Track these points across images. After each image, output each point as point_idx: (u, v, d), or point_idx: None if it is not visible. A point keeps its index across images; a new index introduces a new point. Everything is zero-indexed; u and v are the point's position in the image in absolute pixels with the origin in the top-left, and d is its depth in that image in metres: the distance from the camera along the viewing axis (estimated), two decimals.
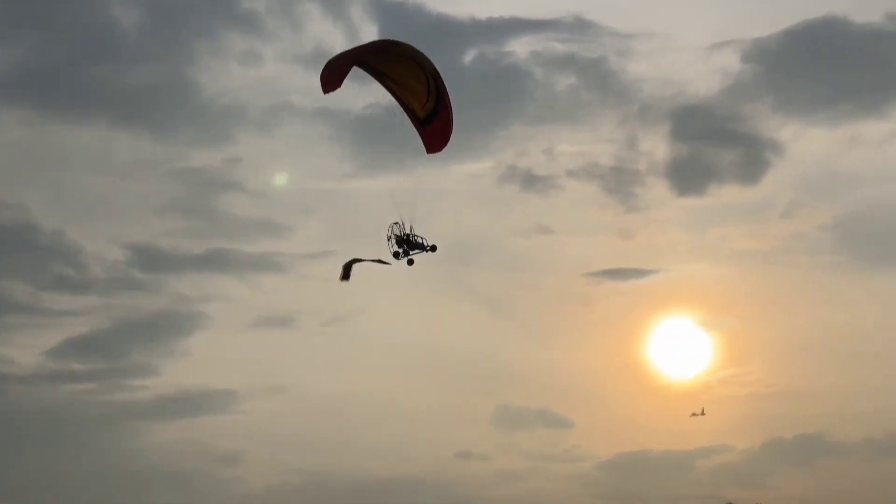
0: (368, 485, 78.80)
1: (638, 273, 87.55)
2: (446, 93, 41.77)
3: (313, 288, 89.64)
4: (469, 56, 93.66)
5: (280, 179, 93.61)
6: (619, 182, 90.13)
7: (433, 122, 42.84)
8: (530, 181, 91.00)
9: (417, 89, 41.50)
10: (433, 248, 44.03)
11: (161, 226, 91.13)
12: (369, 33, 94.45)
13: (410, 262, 43.84)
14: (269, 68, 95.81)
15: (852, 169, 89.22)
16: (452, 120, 42.44)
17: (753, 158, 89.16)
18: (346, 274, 42.92)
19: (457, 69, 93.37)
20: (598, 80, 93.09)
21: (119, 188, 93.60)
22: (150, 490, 78.42)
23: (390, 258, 43.51)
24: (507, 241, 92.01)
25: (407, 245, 43.38)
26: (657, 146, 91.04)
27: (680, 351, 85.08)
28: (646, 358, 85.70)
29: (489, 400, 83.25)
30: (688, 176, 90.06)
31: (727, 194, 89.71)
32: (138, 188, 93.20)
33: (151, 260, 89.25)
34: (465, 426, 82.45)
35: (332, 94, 35.73)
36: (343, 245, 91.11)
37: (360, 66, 39.96)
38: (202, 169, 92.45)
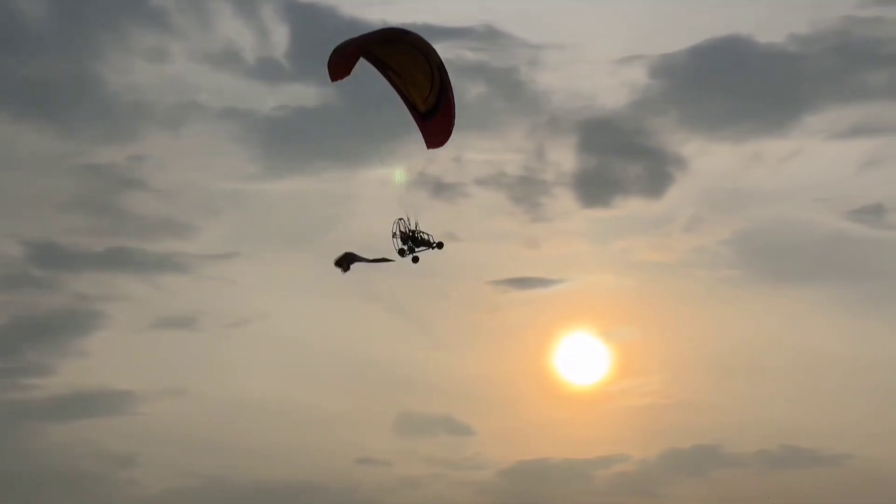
0: (267, 489, 78.33)
1: (543, 282, 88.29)
2: (450, 86, 40.60)
3: (217, 289, 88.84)
4: None
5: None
6: (526, 191, 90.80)
7: (434, 117, 41.70)
8: (438, 188, 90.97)
9: (421, 82, 40.49)
10: (440, 245, 42.72)
11: (61, 222, 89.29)
12: (280, 34, 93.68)
13: (415, 260, 42.64)
14: (176, 66, 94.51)
15: (753, 186, 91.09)
16: (454, 114, 41.21)
17: (658, 172, 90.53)
18: (344, 265, 41.34)
19: (368, 74, 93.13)
20: (508, 90, 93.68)
21: (19, 183, 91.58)
22: (42, 491, 76.88)
23: (395, 255, 42.02)
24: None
25: (412, 242, 42.08)
26: (565, 157, 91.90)
27: (582, 360, 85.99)
28: (548, 367, 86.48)
29: (392, 406, 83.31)
30: (594, 187, 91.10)
31: (632, 207, 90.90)
32: (40, 183, 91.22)
33: (50, 257, 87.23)
34: (366, 432, 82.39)
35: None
36: (248, 247, 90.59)
37: (364, 55, 38.46)
38: (106, 166, 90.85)
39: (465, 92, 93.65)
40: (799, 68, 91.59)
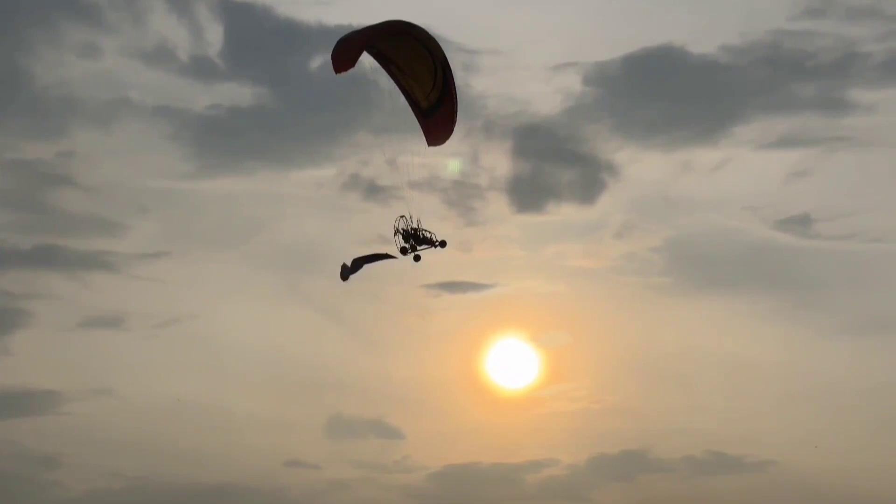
0: (193, 491, 77.52)
1: (475, 287, 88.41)
2: (453, 83, 39.86)
3: (146, 289, 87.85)
4: (316, 62, 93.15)
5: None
6: (459, 195, 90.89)
7: (436, 114, 41.05)
8: (373, 191, 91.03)
9: (424, 78, 39.83)
10: (442, 244, 42.10)
11: None
12: (215, 33, 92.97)
13: (417, 259, 41.96)
14: (108, 62, 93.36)
15: (684, 194, 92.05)
16: (457, 111, 40.51)
17: (591, 179, 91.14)
18: (347, 272, 40.32)
19: (303, 75, 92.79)
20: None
21: None
22: None
23: (397, 253, 41.42)
24: (347, 250, 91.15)
25: (414, 240, 41.33)
26: (499, 162, 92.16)
27: (513, 365, 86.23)
28: (480, 371, 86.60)
29: (322, 409, 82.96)
30: (527, 193, 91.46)
31: (564, 213, 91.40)
32: None
33: None
34: (296, 434, 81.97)
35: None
36: (179, 246, 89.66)
37: (367, 49, 37.43)
38: (34, 161, 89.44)
39: (401, 95, 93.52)
40: (730, 79, 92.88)
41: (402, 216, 42.12)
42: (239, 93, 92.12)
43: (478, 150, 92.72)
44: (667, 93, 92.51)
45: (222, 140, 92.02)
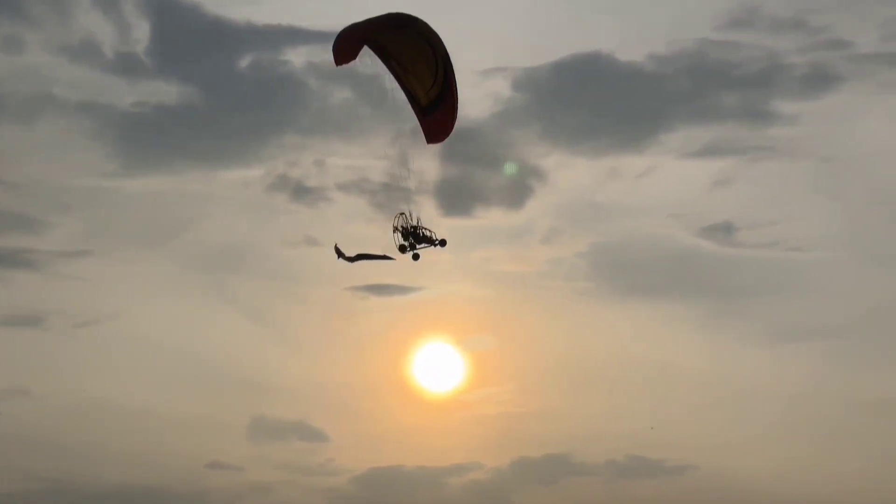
0: (113, 493, 76.57)
1: (401, 290, 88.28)
2: (454, 80, 39.03)
3: (67, 288, 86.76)
4: (244, 61, 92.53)
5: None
6: (388, 198, 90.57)
7: (436, 111, 40.22)
8: (300, 192, 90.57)
9: (424, 75, 38.87)
10: (442, 243, 41.09)
11: None
12: (141, 29, 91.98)
13: (416, 258, 40.87)
14: (31, 56, 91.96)
15: (610, 200, 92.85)
16: (457, 109, 39.69)
17: (519, 184, 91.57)
18: (343, 256, 39.21)
19: (231, 74, 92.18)
20: (373, 96, 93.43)
21: None
22: None
23: (395, 252, 40.34)
24: (273, 251, 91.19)
25: (413, 238, 40.37)
26: (428, 166, 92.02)
27: (438, 368, 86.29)
28: (405, 374, 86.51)
29: (245, 410, 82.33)
30: (455, 197, 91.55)
31: (492, 217, 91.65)
32: None
33: None
34: (218, 436, 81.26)
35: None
36: (102, 245, 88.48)
37: (368, 42, 36.65)
38: None
39: (330, 96, 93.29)
40: (656, 87, 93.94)
41: (401, 213, 41.50)
42: (165, 91, 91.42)
43: (407, 154, 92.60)
44: (594, 99, 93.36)
45: (148, 138, 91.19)
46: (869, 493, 77.14)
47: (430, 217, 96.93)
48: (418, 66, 38.81)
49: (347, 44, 36.66)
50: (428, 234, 41.06)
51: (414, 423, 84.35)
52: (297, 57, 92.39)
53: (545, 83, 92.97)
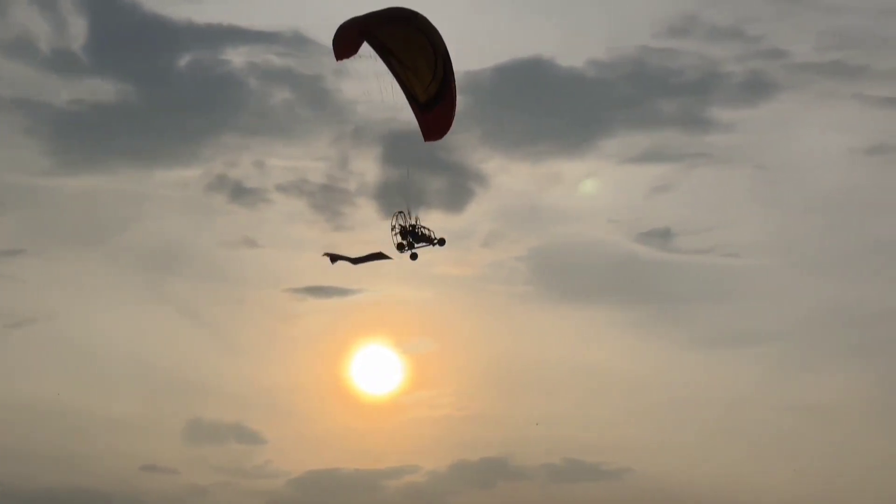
0: (45, 496, 75.63)
1: (340, 291, 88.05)
2: (453, 77, 38.32)
3: (0, 287, 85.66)
4: (184, 60, 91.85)
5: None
6: (328, 200, 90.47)
7: (434, 108, 39.30)
8: (239, 193, 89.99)
9: (423, 71, 38.07)
10: (441, 242, 40.54)
11: None
12: (79, 26, 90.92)
13: (414, 257, 40.20)
14: None
15: (549, 205, 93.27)
16: (455, 106, 38.89)
17: (459, 187, 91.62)
18: (333, 258, 38.38)
19: (170, 73, 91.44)
20: (313, 97, 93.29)
21: None
22: None
23: (393, 251, 39.66)
24: (211, 252, 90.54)
25: (412, 237, 39.74)
26: (368, 167, 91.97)
27: (377, 371, 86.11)
28: (343, 376, 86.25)
29: (181, 412, 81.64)
30: (396, 199, 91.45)
31: (433, 220, 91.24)
32: None
33: None
34: (153, 438, 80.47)
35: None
36: (36, 244, 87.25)
37: (368, 37, 36.07)
38: None
39: (270, 97, 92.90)
40: (596, 93, 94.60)
41: (399, 212, 40.76)
42: (102, 89, 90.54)
43: (347, 155, 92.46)
44: (535, 104, 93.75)
45: (84, 136, 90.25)
46: (802, 497, 78.27)
47: (371, 219, 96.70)
48: (417, 62, 38.32)
49: (348, 39, 36.25)
50: (426, 233, 40.64)
51: (352, 426, 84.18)
52: (237, 57, 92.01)
53: (486, 87, 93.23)
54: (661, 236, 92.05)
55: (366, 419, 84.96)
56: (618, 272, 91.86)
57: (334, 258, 39.82)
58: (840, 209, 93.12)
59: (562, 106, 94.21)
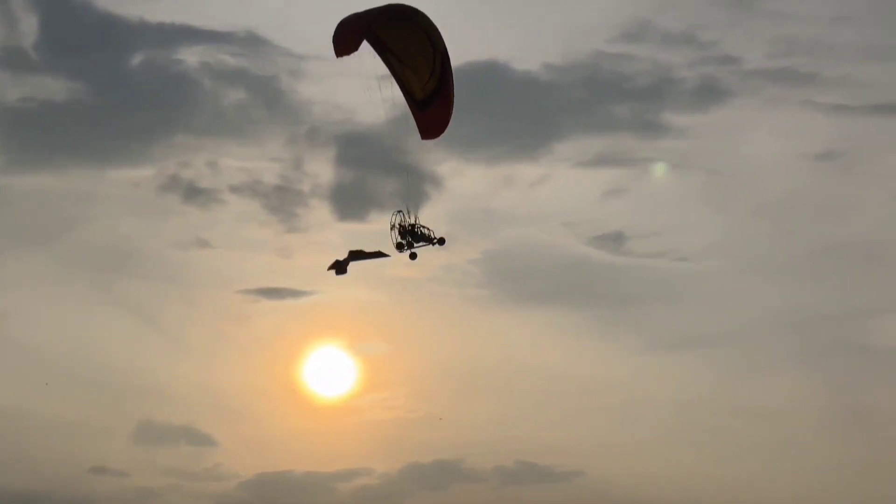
0: None
1: (294, 293, 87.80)
2: (451, 75, 38.09)
3: None
4: (136, 59, 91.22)
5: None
6: (281, 201, 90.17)
7: (431, 106, 39.25)
8: (192, 193, 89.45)
9: (422, 68, 37.86)
10: (441, 242, 39.99)
11: None
12: (29, 24, 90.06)
13: (413, 257, 39.73)
14: None
15: (504, 208, 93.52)
16: (453, 104, 38.59)
17: (413, 190, 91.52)
18: (340, 267, 37.72)
19: (122, 72, 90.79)
20: (268, 98, 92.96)
21: None
22: None
23: (392, 251, 39.16)
24: (163, 253, 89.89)
25: (411, 237, 39.25)
26: (322, 169, 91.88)
27: (330, 373, 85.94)
28: (296, 378, 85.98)
29: (131, 414, 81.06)
30: (350, 201, 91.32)
31: (387, 222, 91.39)
32: None
33: None
34: (103, 440, 79.90)
35: None
36: None
37: (367, 34, 35.56)
38: None
39: (224, 97, 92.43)
40: (551, 97, 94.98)
41: (398, 211, 40.50)
42: (53, 87, 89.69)
43: (301, 157, 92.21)
44: (490, 107, 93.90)
45: (34, 135, 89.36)
46: (752, 499, 79.01)
47: (325, 221, 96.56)
48: (416, 59, 38.13)
49: (349, 35, 35.69)
50: (426, 232, 40.22)
51: (304, 428, 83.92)
52: (191, 56, 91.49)
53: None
54: (614, 240, 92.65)
55: (318, 421, 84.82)
56: (570, 275, 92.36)
57: (341, 267, 39.34)
58: (789, 214, 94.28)
59: (516, 109, 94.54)
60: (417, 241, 40.02)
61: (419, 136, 39.09)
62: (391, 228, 40.03)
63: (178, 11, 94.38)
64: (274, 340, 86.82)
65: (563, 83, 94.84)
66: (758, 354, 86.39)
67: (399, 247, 39.91)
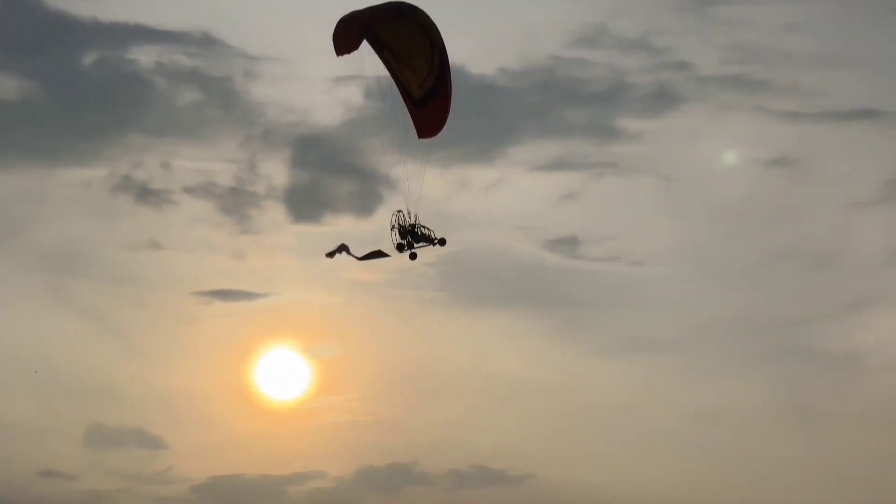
0: None
1: (248, 295, 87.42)
2: (449, 72, 37.52)
3: None
4: (89, 59, 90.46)
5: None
6: (235, 203, 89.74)
7: (429, 104, 38.71)
8: (144, 194, 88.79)
9: (419, 66, 37.32)
10: (442, 242, 39.56)
11: None
12: None
13: (413, 257, 39.18)
14: None
15: (460, 211, 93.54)
16: (451, 103, 38.11)
17: (368, 192, 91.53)
18: (336, 252, 37.01)
19: (74, 71, 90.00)
20: (222, 99, 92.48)
21: None
22: None
23: (393, 250, 38.62)
24: (115, 254, 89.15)
25: (411, 237, 38.71)
26: (277, 171, 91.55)
27: (284, 375, 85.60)
28: (249, 381, 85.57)
29: (82, 417, 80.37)
30: (305, 203, 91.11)
31: (341, 224, 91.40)
32: None
33: None
34: (52, 443, 79.12)
35: None
36: None
37: (368, 32, 34.99)
38: None
39: (178, 98, 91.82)
40: (507, 100, 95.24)
41: (399, 211, 39.97)
42: (5, 85, 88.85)
43: (256, 158, 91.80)
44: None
45: None
46: (703, 502, 79.60)
47: (279, 223, 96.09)
48: (414, 57, 37.66)
49: (351, 34, 35.22)
50: (427, 232, 39.83)
51: (257, 431, 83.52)
52: (144, 56, 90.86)
53: (397, 93, 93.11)
54: (568, 244, 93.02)
55: (271, 424, 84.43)
56: (525, 279, 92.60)
57: (336, 252, 38.79)
58: (741, 220, 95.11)
59: (472, 113, 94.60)
60: (418, 242, 39.75)
61: (416, 135, 38.50)
62: (391, 229, 39.56)
63: (131, 11, 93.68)
64: (227, 342, 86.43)
65: (518, 87, 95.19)
66: (709, 358, 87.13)
67: (400, 247, 39.59)
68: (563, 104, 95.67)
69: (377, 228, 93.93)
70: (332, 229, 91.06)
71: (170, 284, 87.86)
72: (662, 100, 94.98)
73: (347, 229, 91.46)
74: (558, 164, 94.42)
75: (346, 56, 34.93)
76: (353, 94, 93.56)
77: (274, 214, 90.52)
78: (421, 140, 39.47)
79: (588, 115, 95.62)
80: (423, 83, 38.52)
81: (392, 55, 37.89)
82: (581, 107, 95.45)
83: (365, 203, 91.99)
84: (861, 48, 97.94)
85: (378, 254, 39.42)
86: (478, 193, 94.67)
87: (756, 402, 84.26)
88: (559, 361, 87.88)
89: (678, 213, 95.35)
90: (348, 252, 39.08)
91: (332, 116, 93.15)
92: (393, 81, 38.08)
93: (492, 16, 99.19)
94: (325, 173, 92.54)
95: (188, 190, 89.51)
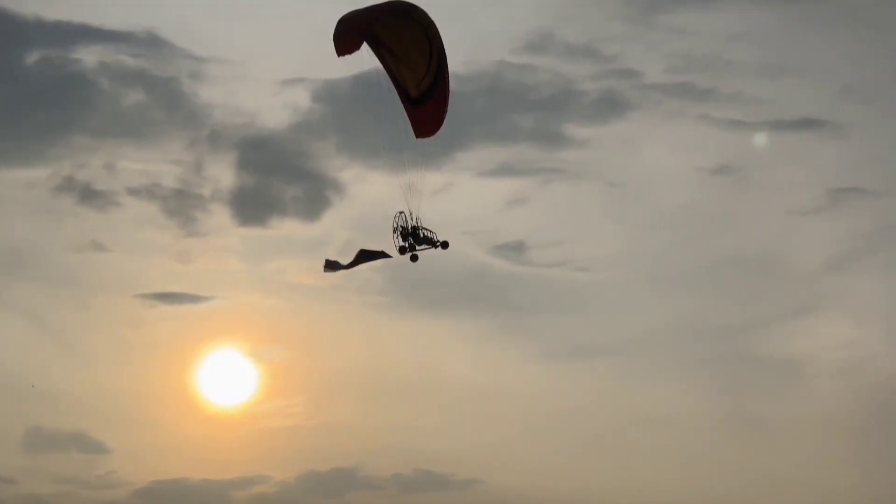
0: None
1: (192, 298, 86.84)
2: (447, 72, 37.08)
3: None
4: (32, 58, 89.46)
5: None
6: (181, 205, 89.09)
7: (426, 104, 38.38)
8: (88, 195, 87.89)
9: (417, 65, 36.81)
10: (444, 245, 39.39)
11: None
12: None
13: (414, 259, 38.79)
14: None
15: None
16: (448, 102, 37.81)
17: (316, 195, 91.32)
18: (335, 266, 36.31)
19: (16, 70, 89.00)
20: (167, 100, 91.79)
21: None
22: None
23: (394, 252, 38.15)
24: (57, 256, 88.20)
25: (413, 239, 38.42)
26: (223, 173, 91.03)
27: (228, 379, 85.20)
28: (193, 385, 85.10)
29: (20, 420, 79.64)
30: (251, 206, 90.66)
31: (288, 228, 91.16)
32: None
33: None
34: None
35: None
36: None
37: (369, 32, 34.53)
38: None
39: (123, 98, 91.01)
40: (454, 106, 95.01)
41: (400, 212, 39.75)
42: None
43: (202, 160, 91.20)
44: (394, 114, 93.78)
45: None
46: None
47: (224, 226, 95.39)
48: (412, 55, 37.26)
49: (352, 34, 35.02)
50: (429, 234, 39.67)
51: (200, 435, 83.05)
52: (88, 56, 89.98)
53: (345, 96, 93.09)
54: (515, 249, 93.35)
55: (215, 428, 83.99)
56: (471, 284, 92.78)
57: (334, 266, 38.41)
58: (686, 226, 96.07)
59: None
60: (420, 244, 39.61)
61: (413, 134, 38.31)
62: (393, 231, 39.32)
63: (75, 10, 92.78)
64: (171, 346, 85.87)
65: (466, 92, 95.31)
66: (654, 363, 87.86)
67: (402, 250, 39.30)
68: (511, 110, 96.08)
69: (323, 233, 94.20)
70: (279, 233, 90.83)
71: (113, 287, 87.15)
72: (609, 107, 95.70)
73: (293, 233, 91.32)
74: (505, 170, 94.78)
75: (346, 56, 34.76)
76: (301, 97, 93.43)
77: (219, 217, 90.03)
78: (418, 139, 38.98)
79: (535, 121, 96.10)
80: (421, 82, 38.30)
81: (390, 54, 37.69)
82: (528, 113, 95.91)
83: (312, 207, 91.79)
84: (805, 58, 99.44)
85: (380, 254, 39.12)
86: (426, 198, 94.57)
87: (699, 407, 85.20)
88: (504, 366, 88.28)
89: (624, 219, 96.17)
90: (343, 267, 38.65)
91: (279, 119, 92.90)
92: (390, 80, 37.49)
93: (438, 21, 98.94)
94: (271, 176, 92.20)
95: (132, 192, 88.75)
